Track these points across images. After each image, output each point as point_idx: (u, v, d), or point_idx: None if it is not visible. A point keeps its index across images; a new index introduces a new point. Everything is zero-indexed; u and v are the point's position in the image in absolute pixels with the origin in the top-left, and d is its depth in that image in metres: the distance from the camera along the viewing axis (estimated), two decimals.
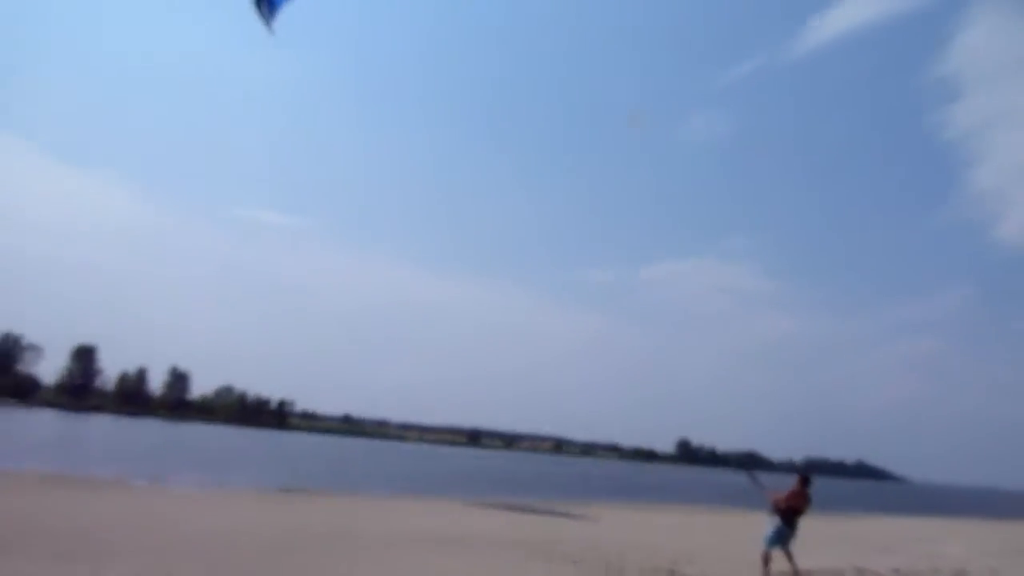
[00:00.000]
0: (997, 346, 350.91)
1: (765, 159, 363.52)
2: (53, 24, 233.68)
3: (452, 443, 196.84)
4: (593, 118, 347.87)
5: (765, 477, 13.75)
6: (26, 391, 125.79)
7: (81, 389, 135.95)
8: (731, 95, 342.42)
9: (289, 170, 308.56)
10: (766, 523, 12.39)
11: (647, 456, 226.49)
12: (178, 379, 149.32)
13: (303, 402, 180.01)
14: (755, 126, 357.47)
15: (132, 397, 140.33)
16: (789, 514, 12.20)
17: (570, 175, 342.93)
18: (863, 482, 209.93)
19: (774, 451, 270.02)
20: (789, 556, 12.08)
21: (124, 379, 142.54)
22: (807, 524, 12.56)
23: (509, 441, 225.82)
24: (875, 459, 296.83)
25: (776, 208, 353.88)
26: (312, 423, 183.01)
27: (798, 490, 12.25)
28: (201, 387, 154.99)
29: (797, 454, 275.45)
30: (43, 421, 75.37)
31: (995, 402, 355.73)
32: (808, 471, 12.87)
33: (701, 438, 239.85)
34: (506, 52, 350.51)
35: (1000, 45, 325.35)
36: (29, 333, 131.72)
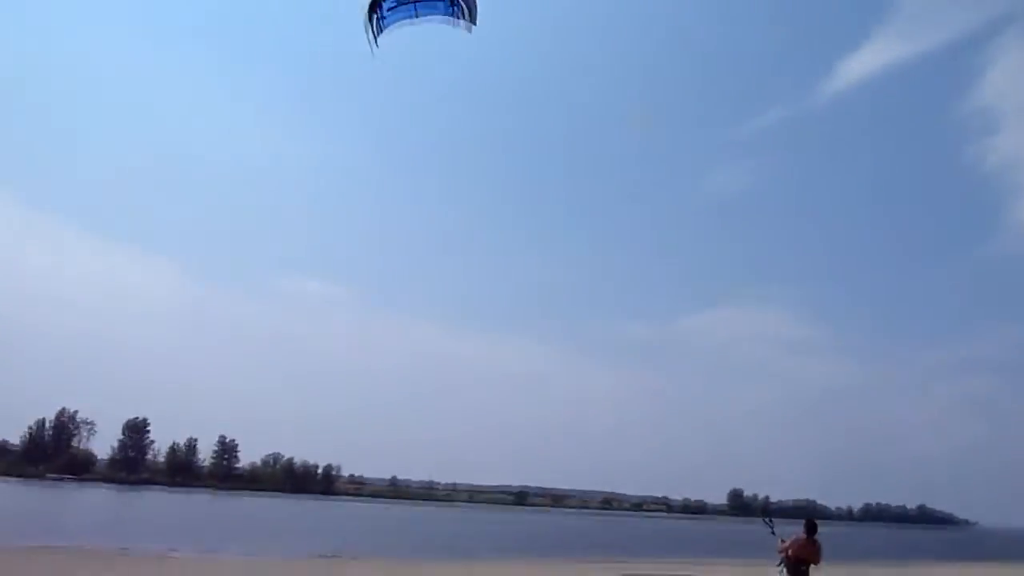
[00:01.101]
0: None
1: (797, 206, 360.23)
2: (97, 102, 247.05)
3: (499, 503, 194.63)
4: (624, 174, 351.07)
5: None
6: (81, 467, 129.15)
7: (133, 463, 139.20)
8: (759, 144, 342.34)
9: (328, 242, 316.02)
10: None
11: (698, 509, 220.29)
12: (226, 448, 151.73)
13: (349, 466, 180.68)
14: (786, 173, 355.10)
15: (183, 469, 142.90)
16: (796, 565, 12.18)
17: (603, 230, 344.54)
18: (926, 529, 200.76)
19: (832, 500, 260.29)
20: None
21: (175, 451, 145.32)
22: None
23: (557, 498, 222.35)
24: (938, 504, 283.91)
25: (814, 254, 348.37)
26: (359, 487, 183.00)
27: (804, 540, 12.21)
28: (250, 455, 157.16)
29: (856, 502, 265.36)
30: (98, 498, 77.29)
31: None
32: (812, 518, 12.82)
33: (754, 488, 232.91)
34: (530, 111, 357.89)
35: None
36: (82, 410, 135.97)
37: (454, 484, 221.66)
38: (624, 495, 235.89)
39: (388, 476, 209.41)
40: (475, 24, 11.78)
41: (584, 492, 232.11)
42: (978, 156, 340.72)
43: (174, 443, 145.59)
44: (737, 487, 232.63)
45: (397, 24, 11.71)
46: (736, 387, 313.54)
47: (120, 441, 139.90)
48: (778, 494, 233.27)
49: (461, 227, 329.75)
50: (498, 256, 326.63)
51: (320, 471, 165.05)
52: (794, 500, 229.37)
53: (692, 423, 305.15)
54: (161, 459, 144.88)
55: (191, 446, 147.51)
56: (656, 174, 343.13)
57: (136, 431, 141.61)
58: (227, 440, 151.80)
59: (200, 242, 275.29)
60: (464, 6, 11.88)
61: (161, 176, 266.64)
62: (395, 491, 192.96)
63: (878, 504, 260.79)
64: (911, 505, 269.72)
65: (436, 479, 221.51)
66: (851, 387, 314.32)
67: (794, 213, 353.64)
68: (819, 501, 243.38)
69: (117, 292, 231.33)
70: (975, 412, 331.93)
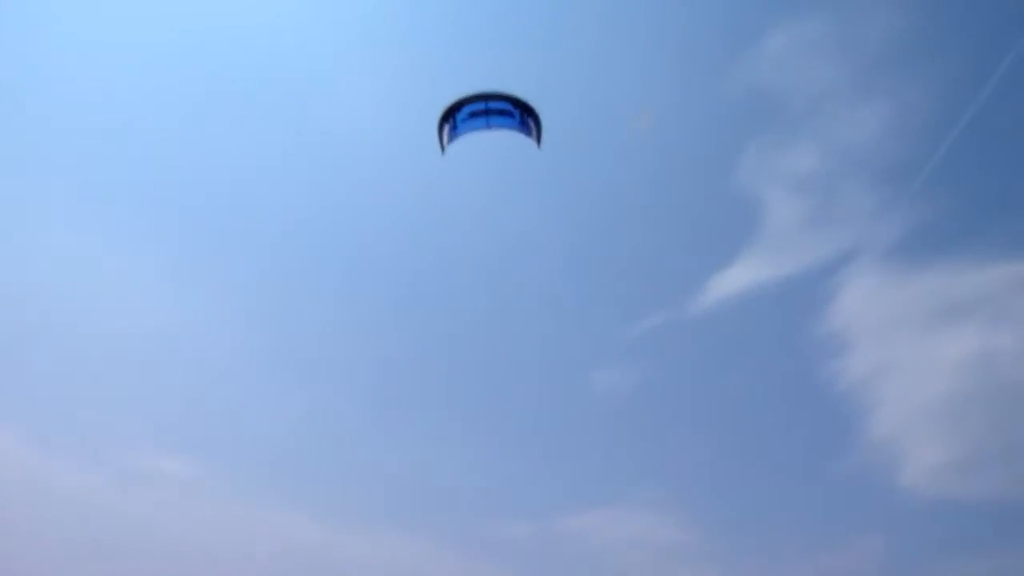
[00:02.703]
0: None
1: (679, 410, 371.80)
2: None
3: None
4: (504, 373, 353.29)
5: None
6: None
7: None
8: (643, 346, 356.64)
9: (187, 415, 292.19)
10: None
11: None
12: None
13: None
14: (669, 376, 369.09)
15: None
16: None
17: (487, 424, 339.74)
18: None
19: None
20: None
21: None
22: None
23: None
24: None
25: (687, 459, 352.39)
26: None
27: None
28: None
29: None
30: None
31: None
32: None
33: None
34: (414, 300, 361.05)
35: (880, 301, 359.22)
36: None
37: None
38: None
39: None
40: (539, 145, 13.33)
41: None
42: (833, 375, 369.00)
43: None
44: None
45: (471, 133, 12.90)
46: None
47: None
48: None
49: (343, 413, 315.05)
50: (372, 446, 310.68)
51: None
52: None
53: None
54: None
55: None
56: (543, 371, 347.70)
57: None
58: None
59: (36, 412, 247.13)
60: (534, 126, 13.20)
61: None
62: None
63: None
64: None
65: None
66: None
67: (676, 417, 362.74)
68: None
69: None
70: None
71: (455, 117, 13.01)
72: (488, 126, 13.15)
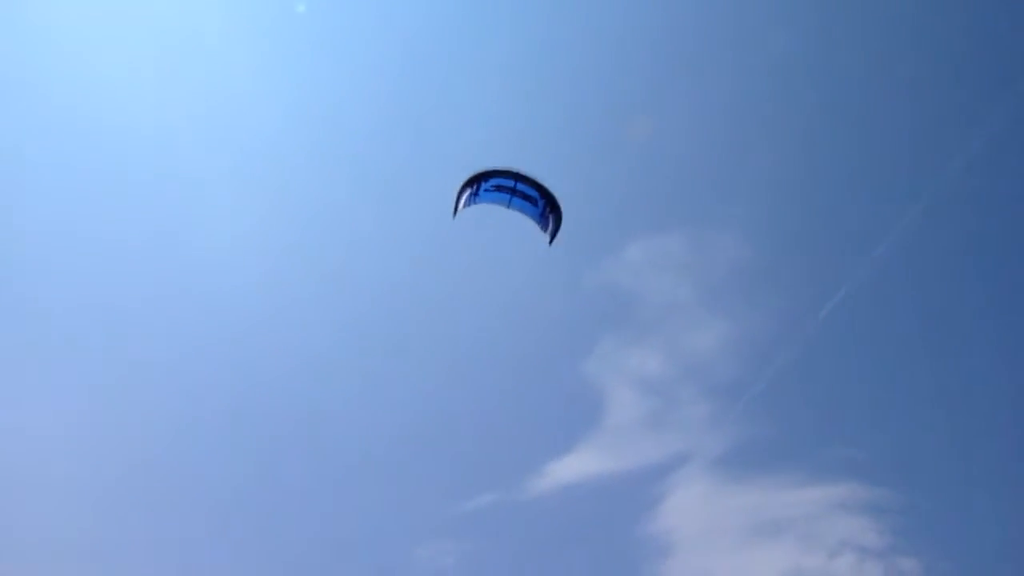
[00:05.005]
0: None
1: None
2: None
3: None
4: (319, 537, 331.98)
5: None
6: None
7: None
8: (464, 527, 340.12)
9: None
10: None
11: None
12: None
13: None
14: (493, 557, 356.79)
15: None
16: None
17: None
18: None
19: None
20: None
21: None
22: None
23: None
24: None
25: None
26: None
27: None
28: None
29: None
30: None
31: None
32: None
33: None
34: (238, 466, 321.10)
35: (703, 510, 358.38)
36: None
37: None
38: None
39: None
40: (551, 244, 13.14)
41: None
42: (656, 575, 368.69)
43: None
44: None
45: (488, 204, 12.85)
46: None
47: None
48: None
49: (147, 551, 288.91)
50: None
51: None
52: None
53: None
54: None
55: None
56: (361, 540, 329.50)
57: None
58: None
59: None
60: (552, 223, 13.43)
61: None
62: None
63: None
64: None
65: None
66: None
67: None
68: None
69: None
70: None
71: (480, 184, 13.21)
72: (510, 204, 13.18)
